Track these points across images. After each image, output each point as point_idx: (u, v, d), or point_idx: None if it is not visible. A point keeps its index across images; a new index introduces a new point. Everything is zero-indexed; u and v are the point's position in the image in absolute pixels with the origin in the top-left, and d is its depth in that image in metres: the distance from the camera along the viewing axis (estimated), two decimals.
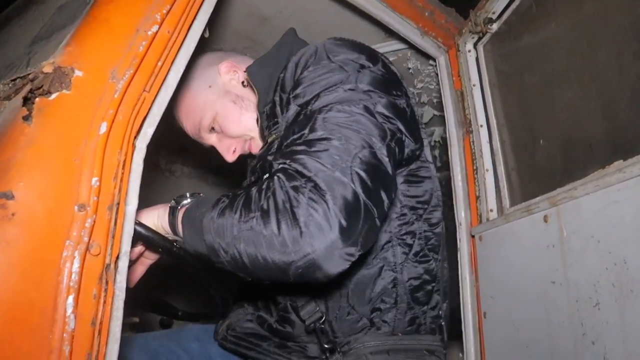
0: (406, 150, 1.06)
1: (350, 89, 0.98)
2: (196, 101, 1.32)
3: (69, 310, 0.65)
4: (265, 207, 0.84)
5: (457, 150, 1.68)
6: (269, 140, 1.15)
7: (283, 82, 1.11)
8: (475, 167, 1.60)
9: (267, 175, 0.97)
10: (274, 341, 1.21)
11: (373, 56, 1.10)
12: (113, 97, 0.76)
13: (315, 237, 0.79)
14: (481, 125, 1.61)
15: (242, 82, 1.34)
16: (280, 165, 0.90)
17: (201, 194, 1.07)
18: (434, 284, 1.22)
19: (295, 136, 0.95)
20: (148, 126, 0.87)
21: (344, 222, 0.79)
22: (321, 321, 1.09)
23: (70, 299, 0.66)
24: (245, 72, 1.28)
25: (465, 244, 1.58)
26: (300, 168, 0.86)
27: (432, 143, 3.15)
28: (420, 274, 1.18)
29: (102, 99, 0.76)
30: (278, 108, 1.13)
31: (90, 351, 0.68)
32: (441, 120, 2.54)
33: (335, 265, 0.81)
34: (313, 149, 0.88)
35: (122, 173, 0.77)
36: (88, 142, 0.72)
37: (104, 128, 0.74)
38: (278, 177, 0.87)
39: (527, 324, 1.20)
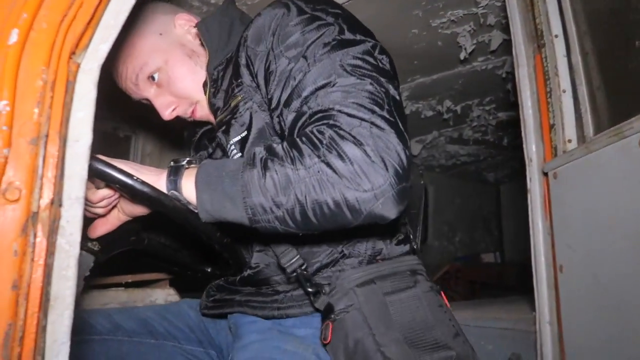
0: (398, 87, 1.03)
1: (343, 37, 0.95)
2: (142, 44, 1.14)
3: None
4: (330, 148, 0.81)
5: (525, 71, 1.37)
6: (233, 103, 1.07)
7: (254, 37, 1.02)
8: (548, 90, 1.29)
9: (300, 126, 0.90)
10: (247, 291, 1.15)
11: (338, 5, 1.05)
12: None
13: (392, 171, 0.80)
14: (556, 36, 1.28)
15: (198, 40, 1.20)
16: (322, 113, 0.87)
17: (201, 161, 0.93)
18: None
19: (318, 85, 0.90)
20: (100, 41, 0.69)
21: (406, 158, 0.83)
22: (302, 267, 1.03)
23: None
24: (195, 27, 1.17)
25: (537, 184, 1.30)
26: (352, 111, 0.84)
27: (504, 75, 2.77)
28: None
29: (15, 0, 0.58)
30: (244, 68, 1.04)
31: (12, 321, 0.54)
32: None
33: (403, 201, 0.83)
34: (351, 94, 0.87)
35: (52, 97, 0.60)
36: None
37: (14, 37, 0.57)
38: (329, 123, 0.84)
39: (615, 279, 0.94)
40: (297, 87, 0.92)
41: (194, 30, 1.19)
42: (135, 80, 1.15)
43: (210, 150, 1.26)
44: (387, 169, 0.80)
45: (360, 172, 0.79)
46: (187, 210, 0.86)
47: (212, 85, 1.15)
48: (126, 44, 1.14)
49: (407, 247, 1.19)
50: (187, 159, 0.92)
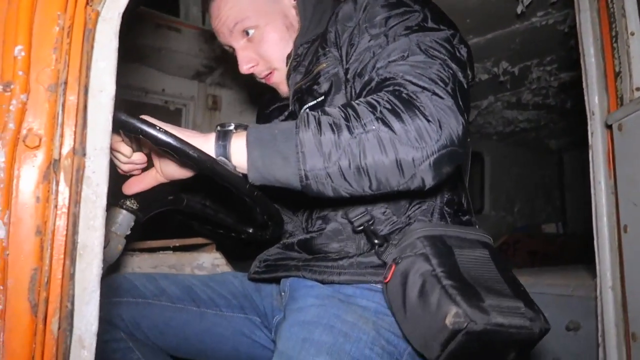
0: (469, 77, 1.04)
1: (425, 24, 0.99)
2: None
3: None
4: (389, 109, 0.83)
5: (588, 15, 1.25)
6: (315, 70, 1.12)
7: (345, 15, 1.08)
8: (614, 34, 1.16)
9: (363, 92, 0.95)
10: (306, 256, 1.14)
11: None
12: None
13: (447, 133, 0.82)
14: None
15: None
16: (388, 81, 0.90)
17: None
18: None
19: (392, 58, 0.94)
20: None
21: (462, 127, 0.86)
22: (370, 222, 1.05)
23: None
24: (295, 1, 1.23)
25: (600, 138, 1.19)
26: (416, 80, 0.88)
27: (566, 30, 2.56)
28: None
29: None
30: (333, 39, 1.10)
31: (37, 265, 0.54)
32: None
33: (452, 164, 0.86)
34: (419, 68, 0.90)
35: (70, 44, 0.58)
36: (11, 2, 0.55)
37: None
38: (392, 89, 0.88)
39: None
40: (372, 59, 0.97)
41: (294, 3, 1.24)
42: (232, 28, 1.18)
43: (282, 118, 1.31)
44: (442, 131, 0.82)
45: (416, 131, 0.81)
46: (231, 173, 0.84)
47: (295, 58, 1.21)
48: None
49: (470, 218, 1.20)
50: (234, 123, 0.91)
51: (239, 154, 0.86)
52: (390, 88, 0.88)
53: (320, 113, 0.87)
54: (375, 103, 0.85)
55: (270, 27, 1.19)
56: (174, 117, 3.36)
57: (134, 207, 0.96)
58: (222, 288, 1.27)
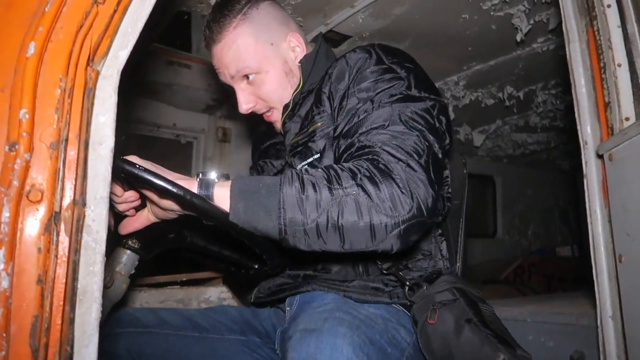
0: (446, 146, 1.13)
1: (409, 92, 1.07)
2: (254, 47, 1.24)
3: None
4: (367, 177, 0.91)
5: (577, 47, 1.28)
6: (310, 128, 1.19)
7: (338, 76, 1.15)
8: (602, 65, 1.19)
9: (347, 154, 1.02)
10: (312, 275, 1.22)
11: (413, 60, 1.18)
12: (44, 12, 0.62)
13: (422, 201, 0.91)
14: (608, 6, 1.18)
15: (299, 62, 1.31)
16: (367, 149, 0.98)
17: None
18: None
19: (374, 126, 1.02)
20: (118, 48, 0.73)
21: (432, 199, 0.94)
22: (398, 266, 1.17)
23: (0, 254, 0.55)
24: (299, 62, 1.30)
25: (594, 168, 1.20)
26: (393, 151, 0.95)
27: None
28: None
29: (34, 15, 0.63)
30: (327, 100, 1.17)
31: (38, 313, 0.58)
32: None
33: (420, 232, 0.95)
34: (397, 139, 0.98)
35: (70, 104, 0.63)
36: (18, 69, 0.60)
37: (31, 49, 0.61)
38: (369, 157, 0.95)
39: None
40: (357, 124, 1.05)
41: (298, 50, 1.30)
42: (233, 73, 1.24)
43: (279, 166, 1.39)
44: (413, 202, 0.90)
45: (390, 200, 0.89)
46: (213, 207, 0.88)
47: (292, 109, 1.27)
48: (239, 39, 1.22)
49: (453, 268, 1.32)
50: (215, 172, 0.97)
51: (221, 204, 0.92)
52: (370, 156, 0.95)
53: (305, 172, 0.94)
54: (355, 170, 0.93)
55: (270, 73, 1.24)
56: (185, 150, 3.45)
57: (136, 246, 1.00)
58: (221, 316, 1.32)
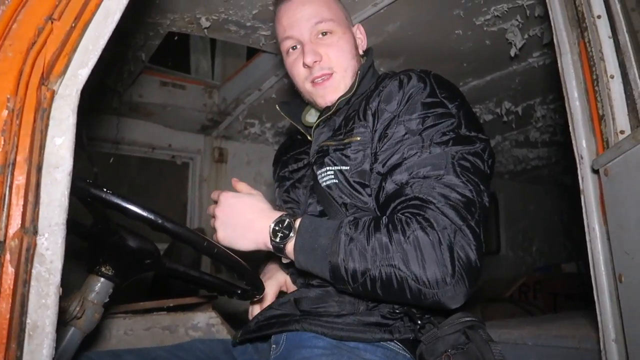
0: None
1: (459, 131, 1.05)
2: (339, 9, 1.31)
3: None
4: (415, 238, 0.92)
5: (569, 59, 1.24)
6: (347, 139, 1.16)
7: (388, 97, 1.13)
8: (594, 77, 1.15)
9: (400, 201, 1.00)
10: (307, 310, 1.14)
11: (462, 95, 1.15)
12: None
13: (459, 275, 0.90)
14: (598, 17, 1.15)
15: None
16: (420, 202, 0.97)
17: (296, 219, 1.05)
18: None
19: (428, 174, 1.00)
20: (78, 67, 0.69)
21: (477, 268, 0.93)
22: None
23: None
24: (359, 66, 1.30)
25: (590, 183, 1.15)
26: (447, 212, 0.94)
27: None
28: None
29: None
30: (371, 116, 1.14)
31: None
32: None
33: (462, 301, 0.94)
34: (452, 194, 0.96)
35: (19, 125, 0.59)
36: None
37: None
38: (423, 215, 0.94)
39: None
40: (406, 161, 1.02)
41: (362, 45, 1.36)
42: (312, 23, 1.23)
43: (300, 165, 1.37)
44: (454, 272, 0.90)
45: (431, 265, 0.90)
46: (187, 232, 0.84)
47: (333, 112, 1.25)
48: None
49: None
50: (284, 231, 1.03)
51: (291, 255, 1.03)
52: (423, 214, 0.94)
53: (353, 230, 0.97)
54: (406, 227, 0.93)
55: (345, 37, 1.27)
56: (181, 171, 3.42)
57: (110, 273, 0.95)
58: (189, 356, 1.24)
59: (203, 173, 3.38)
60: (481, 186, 1.01)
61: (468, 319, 1.05)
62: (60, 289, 0.65)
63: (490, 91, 2.99)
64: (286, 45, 1.28)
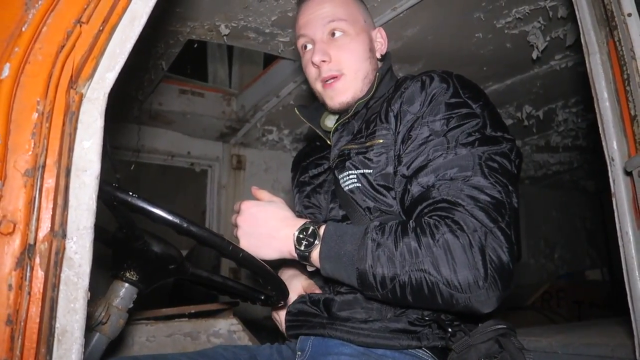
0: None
1: (485, 132, 1.03)
2: (355, 9, 1.29)
3: None
4: (445, 242, 0.90)
5: (598, 59, 1.21)
6: (369, 142, 1.15)
7: (410, 98, 1.11)
8: (625, 77, 1.12)
9: (429, 202, 0.98)
10: (334, 315, 1.11)
11: (486, 95, 1.15)
12: (21, 32, 0.59)
13: (492, 279, 0.88)
14: (629, 14, 1.11)
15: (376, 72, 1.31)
16: (448, 204, 0.94)
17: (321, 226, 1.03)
18: None
19: (455, 175, 0.98)
20: (105, 70, 0.69)
21: (509, 271, 0.90)
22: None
23: None
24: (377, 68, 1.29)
25: (622, 186, 1.12)
26: (477, 214, 0.92)
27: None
28: None
29: (11, 36, 0.59)
30: (394, 117, 1.13)
31: (7, 356, 0.52)
32: None
33: (496, 305, 0.91)
34: (481, 196, 0.94)
35: (49, 128, 0.59)
36: None
37: (6, 71, 0.57)
38: (452, 218, 0.92)
39: None
40: (431, 163, 1.00)
41: (380, 46, 1.33)
42: (325, 22, 1.23)
43: (320, 170, 1.36)
44: (486, 276, 0.87)
45: (462, 268, 0.88)
46: (210, 234, 0.83)
47: (352, 115, 1.24)
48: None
49: None
50: (309, 238, 1.02)
51: (316, 263, 1.01)
52: (452, 216, 0.92)
53: (379, 236, 0.95)
54: (435, 231, 0.91)
55: (358, 39, 1.25)
56: (199, 178, 3.44)
57: (135, 278, 0.94)
58: None
59: (222, 180, 3.39)
60: (510, 187, 0.98)
61: (500, 326, 1.02)
62: (89, 294, 0.64)
63: (510, 95, 2.95)
64: (300, 43, 1.29)
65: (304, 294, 1.21)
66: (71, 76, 0.64)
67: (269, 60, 2.88)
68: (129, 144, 2.86)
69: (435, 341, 1.05)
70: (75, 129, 0.65)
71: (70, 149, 0.63)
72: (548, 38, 2.23)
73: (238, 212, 1.10)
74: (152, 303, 1.62)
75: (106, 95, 0.69)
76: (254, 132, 3.33)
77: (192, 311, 1.54)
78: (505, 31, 2.20)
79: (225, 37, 2.15)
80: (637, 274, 1.06)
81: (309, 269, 1.06)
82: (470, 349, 0.99)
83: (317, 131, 1.35)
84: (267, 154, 3.55)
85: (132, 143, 2.87)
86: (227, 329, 1.55)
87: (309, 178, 1.38)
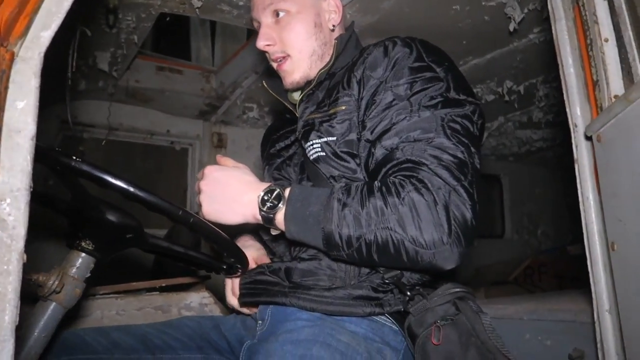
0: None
1: (448, 95, 1.03)
2: None
3: None
4: (410, 199, 0.90)
5: (564, 25, 1.20)
6: (332, 110, 1.14)
7: (373, 63, 1.11)
8: (589, 41, 1.11)
9: (394, 164, 0.99)
10: (294, 283, 1.11)
11: (450, 59, 1.14)
12: None
13: (455, 236, 0.89)
14: None
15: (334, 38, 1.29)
16: (412, 164, 0.95)
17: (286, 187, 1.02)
18: None
19: (418, 136, 0.98)
20: (40, 28, 0.67)
21: (472, 228, 0.92)
22: (400, 276, 1.06)
23: None
24: (336, 36, 1.28)
25: (584, 151, 1.12)
26: (440, 173, 0.93)
27: None
28: None
29: None
30: (357, 84, 1.12)
31: None
32: None
33: (458, 262, 0.93)
34: (444, 156, 0.95)
35: None
36: None
37: None
38: (417, 176, 0.93)
39: None
40: (395, 126, 1.00)
41: (334, 17, 1.29)
42: (266, 5, 1.23)
43: (288, 142, 1.35)
44: (450, 232, 0.89)
45: (430, 235, 0.89)
46: (156, 198, 0.81)
47: (315, 86, 1.24)
48: None
49: None
50: (274, 200, 1.00)
51: (281, 226, 1.00)
52: (417, 175, 0.93)
53: (345, 195, 0.95)
54: (400, 189, 0.92)
55: (300, 17, 1.23)
56: (180, 157, 3.41)
57: (90, 248, 0.93)
58: (177, 332, 1.24)
59: (202, 159, 3.36)
60: (472, 148, 0.99)
61: (458, 289, 1.04)
62: (25, 256, 0.63)
63: (491, 70, 2.93)
64: (255, 26, 1.29)
65: (261, 264, 1.21)
66: (0, 33, 0.62)
67: (252, 36, 2.85)
68: (105, 122, 2.82)
69: (397, 306, 1.05)
70: (7, 88, 0.63)
71: (1, 109, 0.62)
72: (525, 10, 2.22)
73: (202, 178, 1.09)
74: (134, 278, 1.61)
75: (41, 55, 0.67)
76: (234, 109, 3.30)
77: (163, 285, 1.53)
78: (483, 3, 2.18)
79: (198, 10, 2.10)
80: (597, 239, 1.07)
81: (273, 232, 1.05)
82: (427, 312, 1.00)
83: (285, 103, 1.35)
84: (248, 132, 3.53)
85: (109, 121, 2.84)
86: (198, 302, 1.55)
87: (278, 151, 1.38)
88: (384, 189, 0.93)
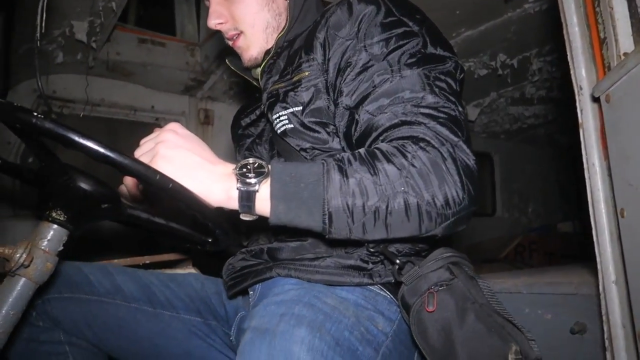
0: None
1: (426, 51, 0.98)
2: None
3: None
4: (417, 160, 0.84)
5: None
6: (295, 77, 1.07)
7: (337, 23, 1.04)
8: None
9: (386, 133, 0.91)
10: (280, 258, 1.09)
11: (422, 12, 1.07)
12: None
13: (472, 189, 0.86)
14: None
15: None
16: (409, 126, 0.90)
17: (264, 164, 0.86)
18: None
19: (407, 97, 0.92)
20: None
21: (477, 182, 0.89)
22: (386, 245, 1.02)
23: None
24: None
25: (590, 115, 1.06)
26: (440, 130, 0.88)
27: None
28: None
29: None
30: (320, 47, 1.05)
31: None
32: None
33: (469, 221, 0.90)
34: (439, 113, 0.91)
35: None
36: None
37: None
38: (417, 137, 0.87)
39: None
40: (377, 89, 0.94)
41: None
42: None
43: (254, 117, 1.30)
44: (464, 188, 0.84)
45: (442, 194, 0.83)
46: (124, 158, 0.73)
47: (273, 56, 1.18)
48: None
49: None
50: (254, 172, 0.84)
51: (262, 207, 0.84)
52: (417, 135, 0.87)
53: (347, 162, 0.85)
54: (405, 152, 0.85)
55: None
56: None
57: (62, 218, 0.86)
58: (180, 290, 1.23)
59: None
60: (458, 105, 0.96)
61: (451, 254, 0.99)
62: None
63: (484, 42, 2.87)
64: (206, 4, 1.22)
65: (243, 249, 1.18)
66: None
67: None
68: (82, 96, 2.71)
69: (388, 277, 1.01)
70: None
71: None
72: None
73: (158, 139, 0.89)
74: (122, 252, 1.56)
75: None
76: (220, 85, 3.20)
77: (147, 262, 1.46)
78: None
79: None
80: (603, 206, 1.01)
81: (245, 218, 0.87)
82: (420, 279, 0.95)
83: (248, 78, 1.29)
84: (236, 108, 3.41)
85: (89, 96, 2.72)
86: None
87: (244, 128, 1.33)
88: (387, 152, 0.85)
